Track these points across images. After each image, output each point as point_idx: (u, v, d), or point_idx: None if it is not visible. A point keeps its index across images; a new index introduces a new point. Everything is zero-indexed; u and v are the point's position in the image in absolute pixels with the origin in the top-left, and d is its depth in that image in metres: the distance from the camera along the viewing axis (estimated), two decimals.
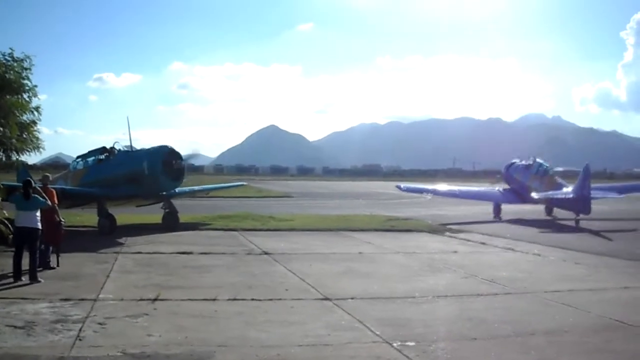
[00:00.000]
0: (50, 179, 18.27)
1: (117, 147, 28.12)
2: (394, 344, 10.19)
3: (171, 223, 28.05)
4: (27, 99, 21.24)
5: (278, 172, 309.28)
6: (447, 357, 9.60)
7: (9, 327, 10.86)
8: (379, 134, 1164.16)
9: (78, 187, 26.36)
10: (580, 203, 34.18)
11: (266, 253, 21.02)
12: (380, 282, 16.27)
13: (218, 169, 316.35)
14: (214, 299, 13.39)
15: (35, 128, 22.11)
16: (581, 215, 34.08)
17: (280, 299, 13.72)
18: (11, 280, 15.23)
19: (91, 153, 28.86)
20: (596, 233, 29.63)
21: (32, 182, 16.22)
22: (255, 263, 19.07)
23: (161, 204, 28.96)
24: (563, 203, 37.57)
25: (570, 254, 22.06)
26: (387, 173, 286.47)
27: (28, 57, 21.21)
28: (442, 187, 50.53)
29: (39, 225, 15.71)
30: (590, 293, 15.19)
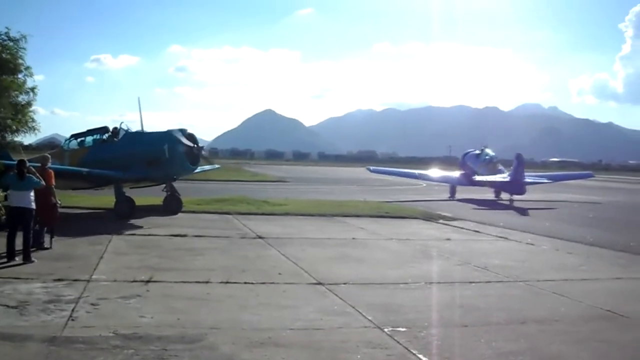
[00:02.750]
0: (50, 160, 18.06)
1: (124, 127, 27.45)
2: (385, 330, 10.23)
3: (174, 206, 27.79)
4: (23, 79, 21.05)
5: (274, 156, 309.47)
6: (437, 344, 9.62)
7: (1, 306, 10.89)
8: (375, 121, 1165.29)
9: (79, 168, 25.33)
10: (515, 186, 42.49)
11: (260, 237, 21.02)
12: (373, 267, 16.34)
13: (213, 152, 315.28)
14: (207, 282, 13.41)
15: (30, 109, 21.95)
16: (515, 196, 42.12)
17: (273, 283, 13.73)
18: (4, 260, 15.16)
19: (90, 132, 28.13)
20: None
21: (26, 161, 16.17)
22: (249, 247, 19.07)
23: (163, 187, 28.72)
24: (500, 186, 45.15)
25: (563, 244, 22.12)
26: (382, 159, 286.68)
27: (24, 37, 21.06)
28: (412, 170, 57.36)
29: (33, 205, 15.67)
30: (583, 283, 15.31)
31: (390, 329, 10.28)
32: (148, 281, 13.28)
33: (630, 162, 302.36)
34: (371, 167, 59.64)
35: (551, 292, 13.86)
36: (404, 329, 10.28)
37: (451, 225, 26.89)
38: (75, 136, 28.27)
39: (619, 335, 10.62)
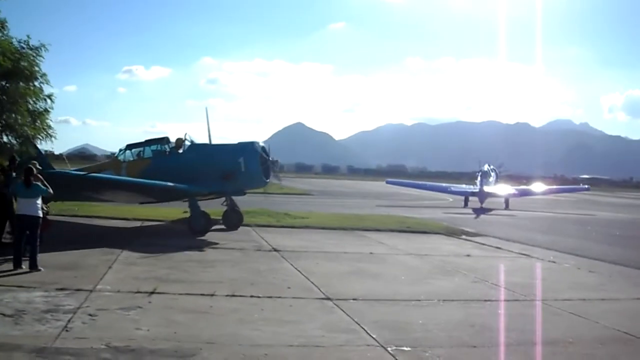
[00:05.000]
0: (36, 168, 17.30)
1: (188, 138, 26.21)
2: (389, 348, 9.80)
3: (235, 220, 26.78)
4: (39, 87, 20.93)
5: (303, 169, 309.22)
6: None
7: None
8: (405, 135, 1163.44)
9: (144, 179, 24.08)
10: (480, 195, 53.70)
11: (275, 250, 20.67)
12: (387, 283, 15.90)
13: None
14: (212, 295, 13.07)
15: (47, 116, 21.78)
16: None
17: (280, 297, 13.36)
18: (11, 267, 14.98)
19: (149, 142, 26.71)
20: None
21: (34, 169, 15.93)
22: (262, 259, 18.72)
23: (223, 201, 27.46)
24: (474, 195, 55.23)
25: (586, 262, 21.54)
26: (412, 173, 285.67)
27: (43, 45, 20.92)
28: (430, 183, 67.87)
29: (40, 214, 15.48)
30: (602, 303, 14.73)
31: (394, 347, 9.85)
32: (152, 292, 12.98)
33: None
34: (388, 180, 74.06)
35: (568, 312, 13.33)
36: (408, 349, 9.86)
37: (473, 241, 26.35)
38: (131, 146, 26.82)
39: (634, 359, 10.11)
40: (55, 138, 22.04)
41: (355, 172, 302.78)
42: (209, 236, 23.22)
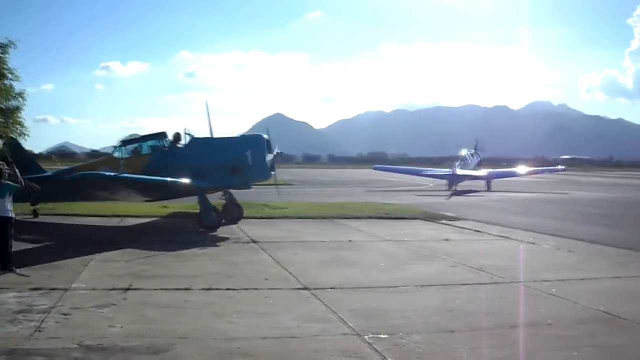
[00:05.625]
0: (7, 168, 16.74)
1: (189, 133, 25.62)
2: (366, 337, 9.72)
3: (237, 214, 26.48)
4: (9, 85, 20.60)
5: (284, 160, 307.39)
6: (418, 352, 9.09)
7: None
8: (385, 122, 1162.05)
9: (148, 176, 23.20)
10: (452, 178, 55.62)
11: (254, 241, 20.55)
12: (365, 271, 15.80)
13: None
14: (188, 289, 12.95)
15: (19, 115, 21.51)
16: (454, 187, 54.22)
17: (256, 289, 13.25)
18: None
19: (146, 138, 26.24)
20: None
21: (3, 169, 15.59)
22: (241, 252, 18.62)
23: (221, 194, 27.11)
24: (445, 178, 58.00)
25: (566, 242, 21.57)
26: (393, 160, 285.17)
27: (12, 43, 20.63)
28: (413, 168, 71.12)
29: (10, 214, 15.18)
30: (581, 283, 14.72)
31: (371, 336, 9.77)
32: (127, 289, 12.84)
33: None
34: (376, 166, 79.22)
35: (547, 293, 13.30)
36: (385, 336, 9.77)
37: (452, 226, 26.36)
38: (126, 142, 26.33)
39: (614, 338, 10.07)
40: (28, 136, 21.81)
41: (337, 161, 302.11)
42: (187, 229, 23.08)
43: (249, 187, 26.38)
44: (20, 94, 21.13)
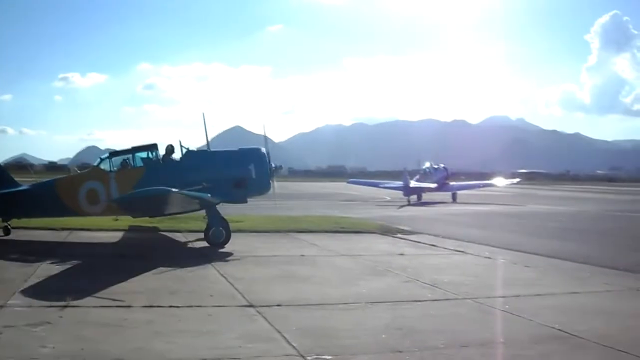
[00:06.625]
0: None
1: (184, 145, 24.58)
2: (309, 357, 9.26)
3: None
4: None
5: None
6: None
7: None
8: (344, 135, 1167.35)
9: (143, 189, 21.46)
10: (405, 190, 58.52)
11: (203, 255, 20.03)
12: (315, 286, 15.32)
13: None
14: (129, 306, 12.35)
15: None
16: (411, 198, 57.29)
17: (200, 306, 12.68)
18: None
19: (136, 149, 24.54)
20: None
21: None
22: (188, 266, 17.86)
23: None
24: (399, 189, 61.06)
25: (522, 257, 21.41)
26: (352, 174, 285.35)
27: None
28: (384, 182, 71.83)
29: None
30: (537, 299, 14.39)
31: (314, 356, 9.31)
32: (65, 306, 12.18)
33: (599, 171, 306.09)
34: (350, 179, 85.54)
35: (500, 310, 12.96)
36: (329, 357, 9.30)
37: (407, 240, 25.97)
38: (114, 154, 24.80)
39: (568, 358, 9.74)
40: None
41: (295, 174, 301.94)
42: (135, 244, 22.47)
43: (246, 202, 25.38)
44: None
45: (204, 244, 22.63)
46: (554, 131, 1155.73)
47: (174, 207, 22.61)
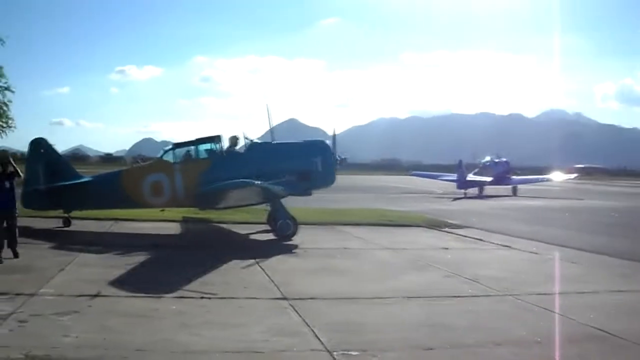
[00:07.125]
0: None
1: (247, 137, 24.49)
2: (335, 353, 9.01)
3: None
4: None
5: None
6: None
7: None
8: (399, 129, 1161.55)
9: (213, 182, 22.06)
10: (459, 183, 57.78)
11: (244, 248, 19.98)
12: (353, 280, 15.09)
13: None
14: (159, 297, 12.25)
15: (6, 109, 20.96)
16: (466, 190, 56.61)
17: (232, 298, 12.56)
18: None
19: (200, 141, 24.52)
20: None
21: None
22: (227, 258, 17.63)
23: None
24: (452, 181, 60.62)
25: (569, 252, 20.78)
26: (407, 167, 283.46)
27: (1, 40, 20.10)
28: (446, 175, 69.62)
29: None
30: (579, 296, 13.93)
31: (341, 352, 9.05)
32: (95, 295, 12.15)
33: None
34: (413, 172, 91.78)
35: (541, 307, 12.53)
36: (356, 353, 9.05)
37: (454, 234, 25.52)
38: (178, 145, 24.66)
39: (604, 359, 9.33)
40: (15, 128, 21.21)
41: (350, 167, 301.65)
42: (183, 235, 22.46)
43: (310, 194, 25.02)
44: (7, 88, 20.60)
45: (245, 235, 22.45)
46: (612, 125, 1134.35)
47: (250, 199, 22.72)
